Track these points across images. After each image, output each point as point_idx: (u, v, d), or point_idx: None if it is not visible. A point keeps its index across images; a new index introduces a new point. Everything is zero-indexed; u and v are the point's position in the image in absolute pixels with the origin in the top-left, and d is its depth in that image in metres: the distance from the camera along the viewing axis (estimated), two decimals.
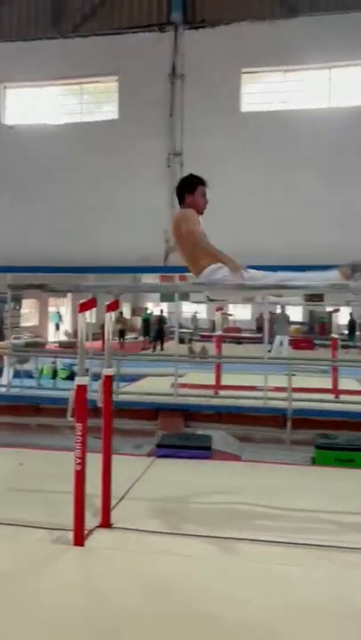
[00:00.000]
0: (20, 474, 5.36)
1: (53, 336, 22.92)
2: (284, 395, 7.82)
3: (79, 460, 3.69)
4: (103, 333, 4.40)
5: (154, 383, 10.07)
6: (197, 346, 16.97)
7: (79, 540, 3.70)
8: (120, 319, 19.42)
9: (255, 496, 4.76)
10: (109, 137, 10.04)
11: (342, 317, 19.45)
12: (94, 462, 4.00)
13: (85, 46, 10.19)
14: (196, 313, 23.92)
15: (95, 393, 4.15)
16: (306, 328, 25.88)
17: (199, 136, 9.69)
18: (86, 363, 4.09)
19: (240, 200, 9.11)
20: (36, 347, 15.03)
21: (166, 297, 22.64)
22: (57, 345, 18.94)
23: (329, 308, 14.33)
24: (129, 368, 11.04)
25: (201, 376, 10.49)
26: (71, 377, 9.09)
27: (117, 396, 8.42)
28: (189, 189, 4.00)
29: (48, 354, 13.77)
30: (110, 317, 4.23)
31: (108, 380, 4.14)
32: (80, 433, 3.68)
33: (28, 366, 10.96)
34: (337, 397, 8.97)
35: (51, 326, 24.05)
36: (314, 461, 6.53)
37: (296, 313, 26.09)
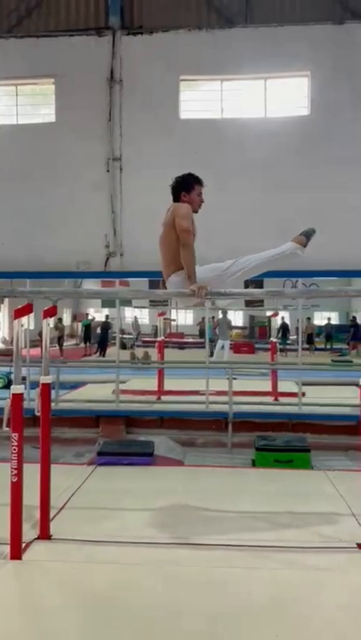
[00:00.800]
0: None
1: None
2: (225, 398, 7.92)
3: (15, 471, 3.58)
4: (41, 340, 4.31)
5: (95, 390, 9.94)
6: (140, 351, 16.91)
7: (16, 553, 3.58)
8: (57, 325, 19.07)
9: (197, 500, 4.78)
10: (47, 140, 9.86)
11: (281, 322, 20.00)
12: (33, 473, 3.90)
13: (21, 47, 9.98)
14: (135, 318, 23.80)
15: (34, 401, 4.05)
16: (247, 332, 26.40)
17: (138, 141, 9.69)
18: (24, 370, 3.97)
19: None
20: None
21: (108, 302, 22.48)
22: None
23: (268, 313, 14.71)
24: (69, 375, 10.85)
25: (143, 382, 10.45)
26: (8, 386, 8.83)
27: (57, 404, 8.25)
28: (187, 188, 3.94)
29: None
30: (47, 324, 4.14)
31: (46, 388, 4.04)
32: (16, 443, 3.57)
33: None
34: (276, 400, 9.16)
35: None
36: (254, 463, 6.63)
37: (237, 317, 26.58)
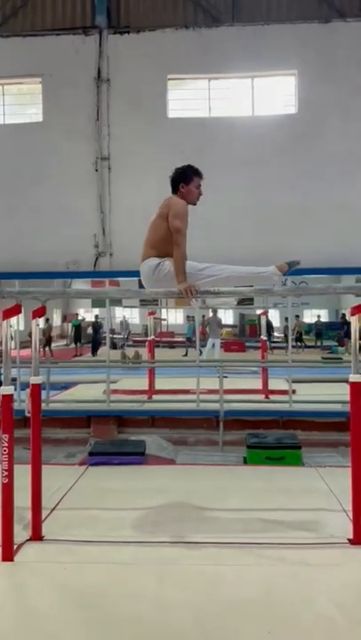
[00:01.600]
0: None
1: None
2: (216, 397, 7.93)
3: (6, 473, 3.57)
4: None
5: (86, 390, 9.92)
6: (130, 351, 16.89)
7: (8, 554, 3.57)
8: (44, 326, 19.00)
9: (188, 499, 4.80)
10: (34, 140, 9.79)
11: (272, 320, 20.06)
12: (24, 474, 3.89)
13: (7, 47, 9.90)
14: (125, 317, 23.72)
15: (25, 402, 4.04)
16: (237, 331, 26.45)
17: (126, 141, 9.66)
18: (14, 371, 3.96)
19: None
20: None
21: (98, 302, 22.41)
22: None
23: (258, 311, 14.74)
24: (60, 376, 10.81)
25: (134, 381, 10.45)
26: None
27: (48, 404, 8.22)
28: (185, 180, 3.96)
29: None
30: (37, 324, 4.13)
31: (36, 389, 4.03)
32: (6, 444, 3.56)
33: None
34: (267, 397, 9.19)
35: None
36: (246, 461, 6.65)
37: (227, 316, 26.63)
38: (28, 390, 4.00)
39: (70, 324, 23.48)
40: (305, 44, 9.61)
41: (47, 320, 20.28)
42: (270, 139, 9.59)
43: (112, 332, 19.28)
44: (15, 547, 3.66)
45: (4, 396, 3.61)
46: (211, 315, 16.33)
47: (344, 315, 21.38)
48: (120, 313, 24.42)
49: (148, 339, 10.71)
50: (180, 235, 3.73)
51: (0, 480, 3.57)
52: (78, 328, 20.77)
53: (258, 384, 9.64)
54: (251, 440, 6.74)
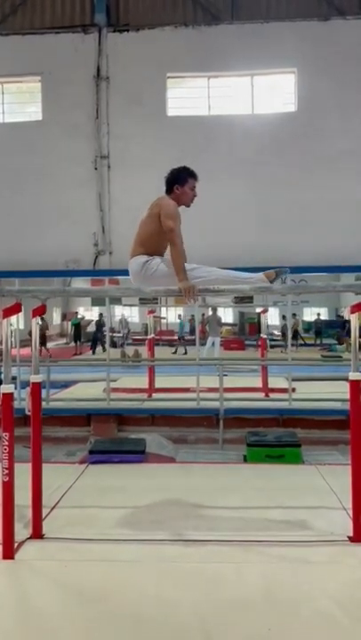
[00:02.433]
0: None
1: None
2: (216, 395, 7.94)
3: (6, 471, 3.57)
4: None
5: (86, 389, 9.93)
6: (130, 350, 16.88)
7: (8, 552, 3.58)
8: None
9: (189, 497, 4.80)
10: (34, 138, 9.78)
11: (270, 318, 20.06)
12: (24, 472, 3.89)
13: (6, 45, 9.88)
14: (123, 316, 23.69)
15: (25, 401, 4.04)
16: (237, 329, 26.46)
17: (126, 139, 9.65)
18: (14, 370, 3.97)
19: None
20: None
21: (98, 301, 22.41)
22: None
23: (258, 309, 14.75)
24: (60, 374, 10.82)
25: (134, 380, 10.45)
26: None
27: (48, 403, 8.23)
28: (180, 181, 3.99)
29: None
30: (37, 323, 4.14)
31: (36, 387, 4.04)
32: (7, 443, 3.57)
33: None
34: (267, 396, 9.20)
35: None
36: (246, 459, 6.66)
37: (227, 314, 26.63)
38: (29, 389, 4.01)
39: (70, 323, 23.48)
40: (304, 41, 9.60)
41: (42, 318, 20.26)
42: (270, 137, 9.58)
43: (112, 330, 19.29)
44: (16, 545, 3.67)
45: (4, 394, 3.61)
46: (210, 313, 16.34)
47: (341, 315, 21.42)
48: (121, 312, 24.43)
49: (148, 337, 10.72)
50: (174, 234, 3.74)
51: (0, 478, 3.58)
52: (78, 327, 20.78)
53: (258, 382, 9.64)
54: (251, 438, 6.75)
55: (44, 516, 4.06)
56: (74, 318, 22.18)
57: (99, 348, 18.82)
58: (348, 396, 4.02)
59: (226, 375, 8.52)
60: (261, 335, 10.85)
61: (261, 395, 9.26)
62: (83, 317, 22.23)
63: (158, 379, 9.76)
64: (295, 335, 19.94)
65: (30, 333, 4.23)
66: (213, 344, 15.16)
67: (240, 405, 8.17)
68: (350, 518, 3.94)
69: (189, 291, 3.62)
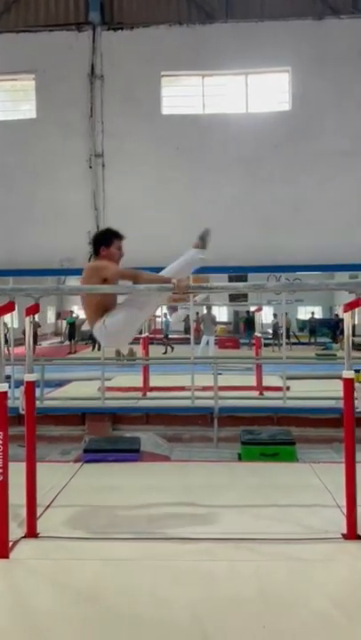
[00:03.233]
0: None
1: None
2: (210, 394, 7.95)
3: (1, 470, 3.56)
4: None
5: (80, 388, 9.92)
6: (125, 348, 16.87)
7: (3, 552, 3.57)
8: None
9: (183, 495, 4.81)
10: (28, 136, 9.76)
11: (265, 317, 20.11)
12: (19, 471, 3.88)
13: (0, 43, 9.86)
14: None
15: (19, 400, 4.03)
16: (231, 327, 26.50)
17: (120, 137, 9.64)
18: (8, 369, 3.96)
19: (161, 201, 9.17)
20: None
21: None
22: None
23: (252, 308, 14.78)
24: (54, 373, 10.80)
25: (129, 379, 10.46)
26: None
27: (42, 402, 8.22)
28: (106, 243, 4.09)
29: None
30: (30, 321, 4.12)
31: (30, 386, 4.03)
32: (0, 442, 3.56)
33: None
34: (261, 394, 9.22)
35: None
36: (240, 457, 6.67)
37: (222, 313, 26.66)
38: (22, 388, 4.00)
39: (65, 322, 23.43)
40: (298, 40, 9.62)
41: (33, 317, 20.23)
42: (264, 135, 9.60)
43: None
44: (10, 544, 3.66)
45: None
46: (205, 311, 16.35)
47: (337, 313, 21.49)
48: None
49: (143, 336, 10.71)
50: (127, 275, 3.88)
51: None
52: (73, 325, 20.75)
53: (252, 381, 9.66)
54: (245, 436, 6.76)
55: (38, 515, 4.05)
56: (69, 317, 22.14)
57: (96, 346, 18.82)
58: (341, 394, 4.03)
59: (220, 374, 8.53)
60: (256, 334, 10.87)
61: (256, 393, 9.28)
62: (77, 316, 22.18)
63: (153, 377, 9.76)
64: (287, 334, 20.02)
65: (24, 332, 4.22)
66: (208, 343, 15.17)
67: (235, 404, 8.19)
68: (344, 516, 3.95)
69: (181, 284, 3.68)
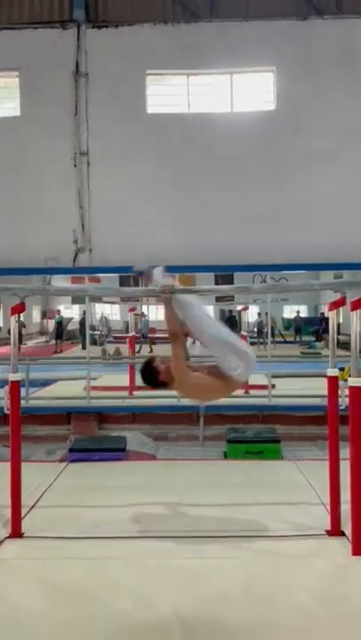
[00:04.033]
0: None
1: None
2: None
3: None
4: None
5: (66, 387, 9.88)
6: (111, 347, 16.82)
7: None
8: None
9: (169, 493, 4.82)
10: (12, 134, 9.68)
11: (251, 315, 20.20)
12: (4, 471, 3.87)
13: None
14: (103, 314, 23.48)
15: (3, 400, 4.01)
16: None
17: (105, 136, 9.59)
18: None
19: (146, 200, 9.14)
20: None
21: (78, 299, 22.26)
22: None
23: (238, 307, 14.81)
24: (40, 373, 10.74)
25: (115, 378, 10.42)
26: None
27: (27, 401, 8.17)
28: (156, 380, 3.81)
29: None
30: (15, 320, 4.11)
31: (15, 386, 4.01)
32: None
33: None
34: (246, 392, 9.24)
35: None
36: (226, 455, 6.70)
37: (208, 312, 26.69)
38: (7, 387, 3.98)
39: (54, 321, 23.30)
40: (283, 40, 9.65)
41: (18, 316, 20.13)
42: (250, 135, 9.62)
43: (93, 328, 19.19)
44: None
45: None
46: None
47: (322, 312, 21.64)
48: (102, 309, 24.28)
49: (129, 335, 10.70)
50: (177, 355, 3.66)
51: None
52: (60, 325, 20.68)
53: None
54: (231, 435, 6.79)
55: (23, 515, 4.04)
56: (57, 316, 22.04)
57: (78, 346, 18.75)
58: (326, 391, 4.07)
59: None
60: (242, 332, 10.91)
61: (241, 391, 9.30)
62: (62, 318, 22.08)
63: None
64: (272, 332, 20.14)
65: (10, 331, 4.20)
66: (194, 342, 15.17)
67: (220, 402, 8.18)
68: (328, 513, 3.99)
69: (168, 287, 3.68)
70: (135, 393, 9.28)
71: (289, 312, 25.32)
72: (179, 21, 9.80)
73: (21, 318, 20.58)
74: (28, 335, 23.90)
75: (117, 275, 10.80)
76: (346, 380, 3.84)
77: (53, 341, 21.19)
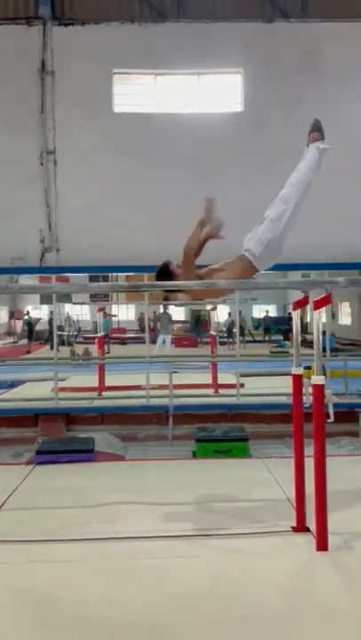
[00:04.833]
0: None
1: None
2: (166, 392, 7.97)
3: None
4: None
5: (34, 389, 9.76)
6: (80, 348, 16.71)
7: None
8: None
9: (137, 493, 4.81)
10: None
11: (221, 315, 20.34)
12: None
13: None
14: (68, 314, 23.28)
15: None
16: (188, 326, 26.60)
17: (72, 134, 9.51)
18: None
19: (114, 200, 9.10)
20: None
21: (46, 299, 22.01)
22: None
23: (208, 307, 14.90)
24: (8, 374, 10.60)
25: (84, 379, 10.36)
26: None
27: None
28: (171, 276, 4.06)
29: None
30: None
31: None
32: None
33: None
34: (216, 392, 9.31)
35: None
36: (195, 455, 6.73)
37: (178, 312, 26.74)
38: None
39: (22, 321, 22.99)
40: (250, 42, 9.74)
41: None
42: (217, 136, 9.67)
43: (61, 328, 19.01)
44: None
45: None
46: (161, 311, 16.38)
47: (290, 312, 21.94)
48: (71, 310, 24.05)
49: (98, 335, 10.65)
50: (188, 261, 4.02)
51: None
52: (30, 325, 20.45)
53: (208, 378, 9.74)
54: (199, 434, 6.82)
55: None
56: (26, 317, 21.76)
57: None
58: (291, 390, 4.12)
59: (176, 372, 8.58)
60: (211, 332, 10.98)
61: (211, 391, 9.37)
62: (31, 319, 21.83)
63: (109, 377, 9.71)
64: (242, 332, 20.31)
65: None
66: (164, 341, 15.21)
67: (189, 402, 8.25)
68: (294, 509, 4.05)
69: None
70: (104, 394, 9.25)
71: (258, 312, 25.58)
72: (146, 21, 9.79)
73: None
74: None
75: (87, 275, 10.72)
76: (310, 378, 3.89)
77: (24, 341, 20.93)
